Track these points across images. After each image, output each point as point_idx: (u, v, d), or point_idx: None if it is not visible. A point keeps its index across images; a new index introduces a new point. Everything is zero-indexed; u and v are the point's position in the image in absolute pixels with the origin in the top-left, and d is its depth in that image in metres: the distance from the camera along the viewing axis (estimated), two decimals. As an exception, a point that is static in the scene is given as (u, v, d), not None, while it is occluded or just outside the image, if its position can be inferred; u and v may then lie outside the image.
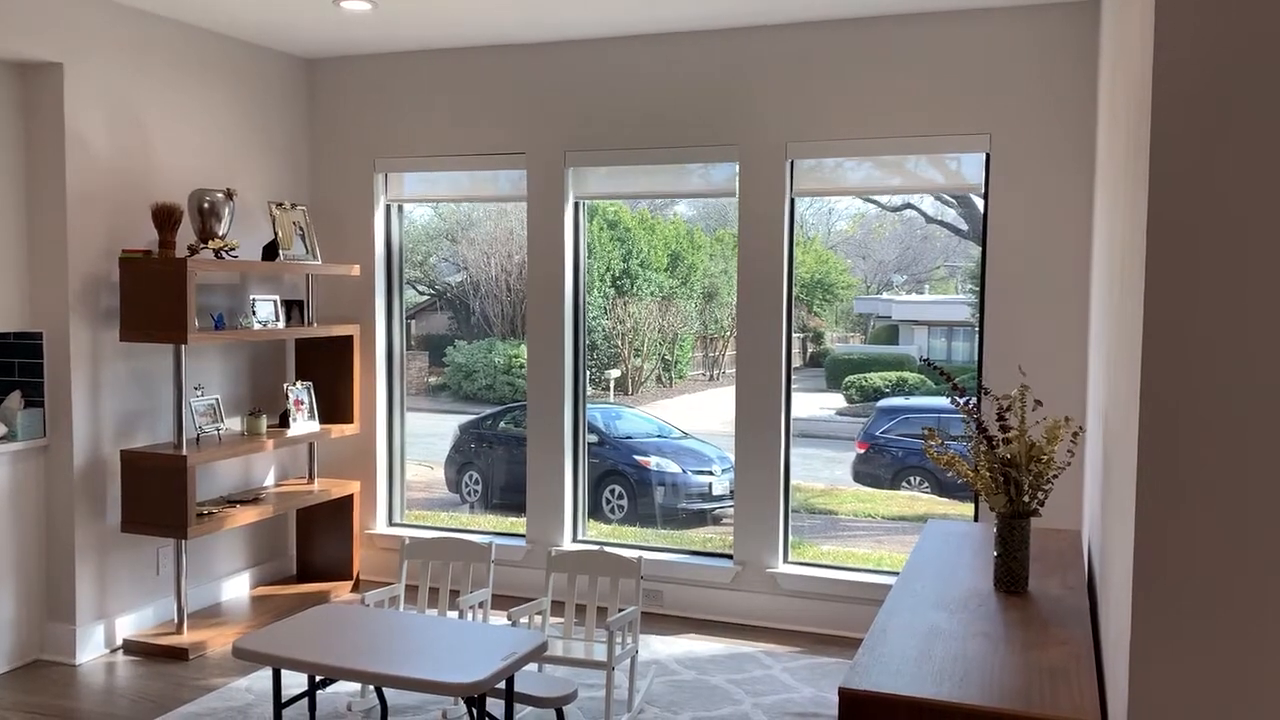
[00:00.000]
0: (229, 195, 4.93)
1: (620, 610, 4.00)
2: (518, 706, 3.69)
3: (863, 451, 8.48)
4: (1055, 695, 2.11)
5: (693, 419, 8.97)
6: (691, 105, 5.27)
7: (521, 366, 9.11)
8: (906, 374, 9.30)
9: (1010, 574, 2.85)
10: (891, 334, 9.74)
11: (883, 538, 7.78)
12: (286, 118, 5.85)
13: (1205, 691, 1.50)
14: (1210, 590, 1.50)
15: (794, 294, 5.26)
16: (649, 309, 9.32)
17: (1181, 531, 1.51)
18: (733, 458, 7.91)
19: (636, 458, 7.85)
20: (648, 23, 5.11)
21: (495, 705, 3.59)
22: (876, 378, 9.29)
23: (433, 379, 9.42)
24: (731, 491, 7.89)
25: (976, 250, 4.99)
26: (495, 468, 8.25)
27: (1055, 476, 2.84)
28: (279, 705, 3.53)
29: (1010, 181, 4.78)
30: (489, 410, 8.71)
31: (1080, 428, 3.09)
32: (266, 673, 4.54)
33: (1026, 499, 2.83)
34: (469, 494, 8.26)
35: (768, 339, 5.20)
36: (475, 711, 3.26)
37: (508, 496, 8.14)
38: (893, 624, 2.57)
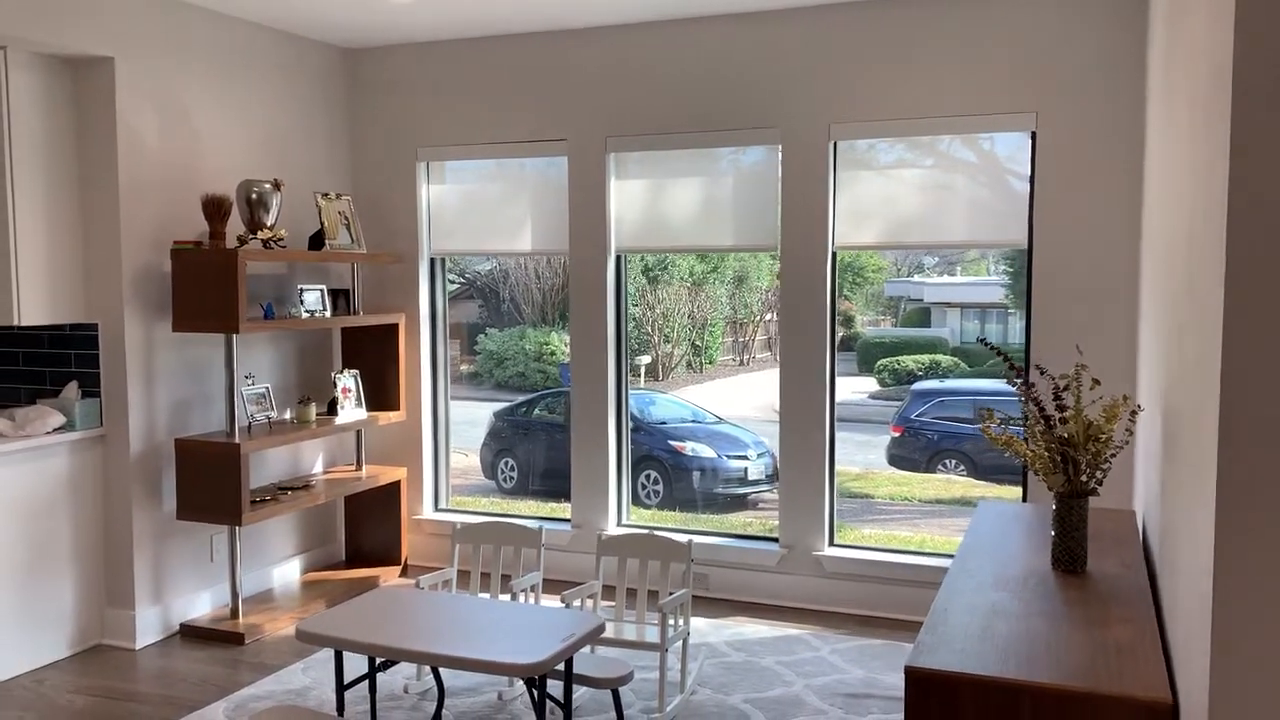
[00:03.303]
0: (276, 186, 4.99)
1: (670, 594, 4.03)
2: (573, 688, 3.74)
3: (898, 435, 8.48)
4: (1122, 673, 2.12)
5: (725, 404, 8.99)
6: (733, 88, 5.27)
7: (553, 354, 9.16)
8: (939, 357, 9.27)
9: (1069, 553, 2.85)
10: (923, 316, 9.71)
11: (919, 521, 7.79)
12: (329, 108, 5.90)
13: None
14: None
15: (837, 277, 5.26)
16: (679, 294, 9.33)
17: (1265, 516, 1.50)
18: (768, 442, 7.94)
19: (672, 443, 7.89)
20: (689, 6, 5.11)
21: (553, 687, 3.64)
22: (909, 361, 9.27)
23: (464, 367, 9.50)
24: (768, 476, 7.93)
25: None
26: (530, 454, 8.32)
27: (1113, 455, 2.84)
28: (341, 687, 3.59)
29: (1056, 158, 4.75)
30: (523, 397, 8.78)
31: (1139, 406, 3.08)
32: (323, 657, 4.62)
33: (1084, 478, 2.83)
34: (505, 480, 8.33)
35: (811, 322, 5.21)
36: (536, 692, 3.30)
37: (543, 482, 8.20)
38: (953, 604, 2.59)
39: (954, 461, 8.28)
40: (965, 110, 4.88)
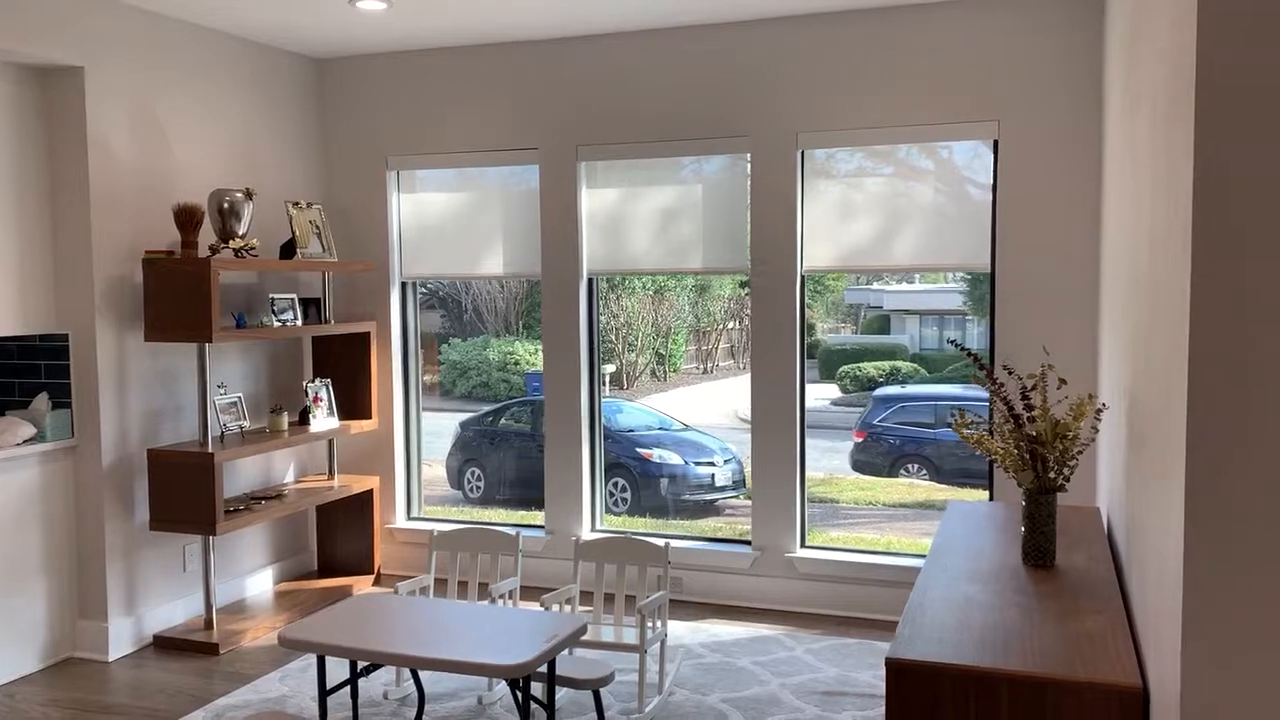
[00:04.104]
0: (248, 195, 4.99)
1: (648, 596, 4.08)
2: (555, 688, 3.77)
3: (860, 440, 8.59)
4: (1094, 661, 2.20)
5: (689, 412, 9.06)
6: (703, 97, 5.35)
7: (517, 363, 9.18)
8: (900, 363, 9.42)
9: (1038, 548, 2.94)
10: (883, 324, 9.86)
11: (884, 525, 7.90)
12: (299, 117, 5.91)
13: (1258, 664, 1.58)
14: (1262, 565, 1.56)
15: (805, 283, 5.35)
16: (642, 303, 9.40)
17: (1230, 509, 1.57)
18: (734, 449, 8.02)
19: (639, 451, 7.94)
20: (658, 17, 5.19)
21: (535, 691, 3.67)
22: (870, 367, 9.40)
23: (427, 377, 9.48)
24: (734, 482, 8.01)
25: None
26: (497, 463, 8.33)
27: (1080, 453, 2.94)
28: (324, 692, 3.60)
29: (1018, 165, 4.88)
30: (488, 407, 8.79)
31: (1104, 404, 3.19)
32: (299, 665, 4.62)
33: (1052, 475, 2.92)
34: (471, 490, 8.34)
35: (782, 338, 5.29)
36: (520, 694, 3.34)
37: (511, 491, 8.22)
38: (929, 597, 2.66)
39: (916, 466, 8.41)
40: (929, 119, 5.00)
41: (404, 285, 6.10)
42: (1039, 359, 4.82)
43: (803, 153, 5.24)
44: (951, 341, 3.25)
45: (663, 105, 5.42)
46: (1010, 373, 3.20)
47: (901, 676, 2.27)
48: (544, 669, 3.42)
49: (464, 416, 8.68)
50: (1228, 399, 1.56)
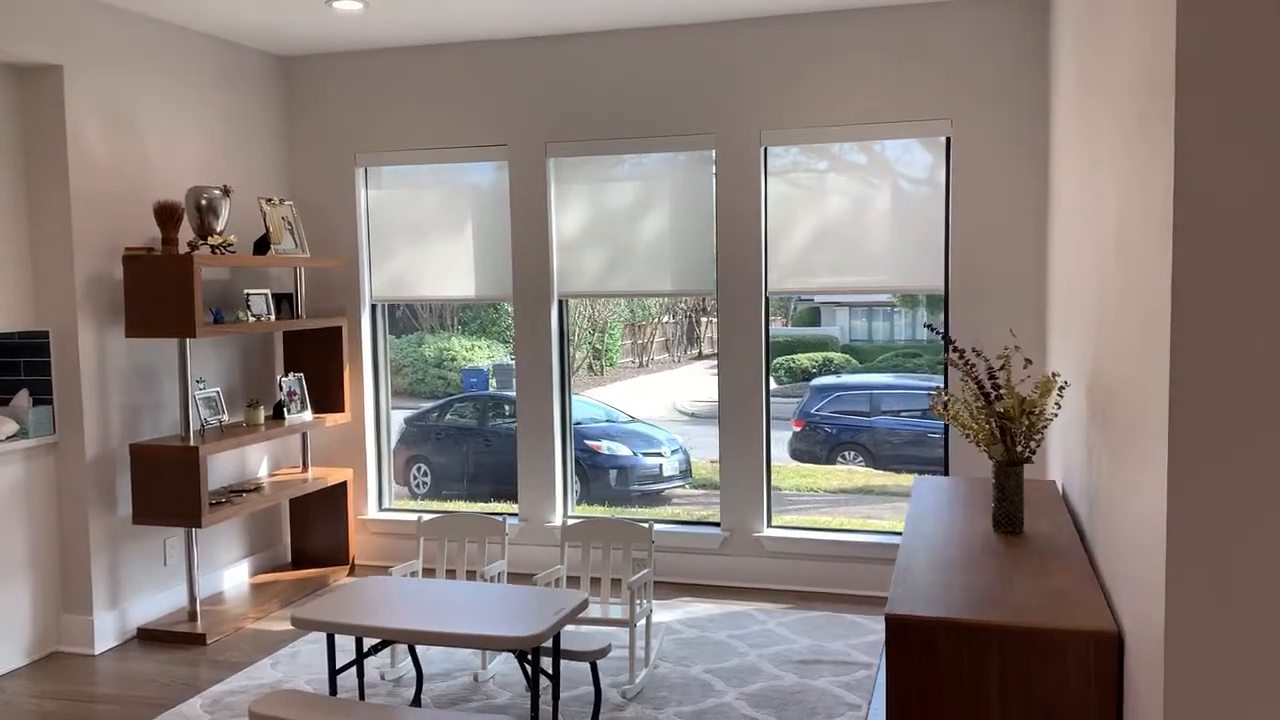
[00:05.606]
0: (226, 192, 5.06)
1: (635, 575, 4.28)
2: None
3: (799, 430, 8.88)
4: (1072, 612, 2.46)
5: (627, 405, 9.25)
6: (669, 96, 5.56)
7: (453, 359, 9.28)
8: (831, 354, 9.75)
9: (1008, 516, 3.20)
10: (814, 316, 10.17)
11: (826, 509, 8.16)
12: (271, 115, 5.97)
13: (1237, 611, 1.79)
14: (1240, 523, 1.75)
15: (769, 274, 5.60)
16: (578, 299, 9.55)
17: (1208, 476, 1.77)
18: (680, 440, 8.24)
19: (588, 443, 8.10)
20: (625, 18, 5.39)
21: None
22: (804, 358, 9.72)
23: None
24: (681, 472, 8.23)
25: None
26: (443, 459, 8.42)
27: (1044, 427, 3.22)
28: (333, 671, 3.73)
29: (969, 160, 5.19)
30: (430, 404, 8.87)
31: (1066, 382, 3.47)
32: (289, 651, 4.72)
33: (1020, 448, 3.20)
34: (417, 485, 8.42)
35: (748, 319, 5.54)
36: (529, 666, 3.52)
37: (459, 486, 8.33)
38: (914, 563, 2.91)
39: (853, 453, 8.72)
40: (886, 118, 5.28)
41: (373, 281, 6.20)
42: (993, 345, 5.14)
43: (766, 149, 5.48)
44: (927, 325, 3.51)
45: (630, 103, 5.62)
46: (979, 355, 3.47)
47: (902, 630, 2.50)
48: (548, 642, 3.60)
49: (407, 413, 8.75)
50: (1206, 378, 1.75)
